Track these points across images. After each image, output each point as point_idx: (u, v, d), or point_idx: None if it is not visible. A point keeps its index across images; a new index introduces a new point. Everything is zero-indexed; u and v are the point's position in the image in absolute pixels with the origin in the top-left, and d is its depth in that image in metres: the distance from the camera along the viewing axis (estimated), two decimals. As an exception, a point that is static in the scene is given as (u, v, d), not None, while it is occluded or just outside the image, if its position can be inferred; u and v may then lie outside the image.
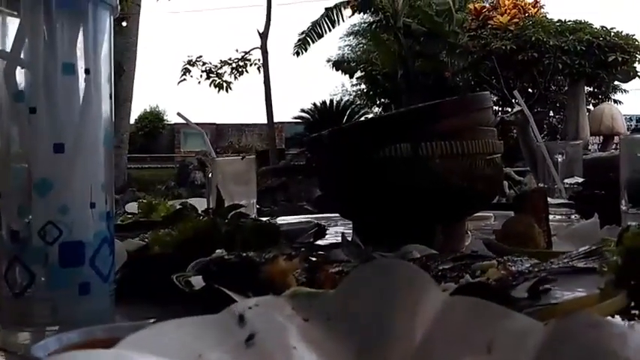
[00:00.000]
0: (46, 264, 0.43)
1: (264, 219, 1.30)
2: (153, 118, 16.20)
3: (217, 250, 0.51)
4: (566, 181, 1.11)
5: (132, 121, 13.04)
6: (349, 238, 0.66)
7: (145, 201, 1.03)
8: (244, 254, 0.49)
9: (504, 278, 0.46)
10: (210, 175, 1.12)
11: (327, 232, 0.85)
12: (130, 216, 1.14)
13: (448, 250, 0.84)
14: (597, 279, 0.45)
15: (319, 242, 0.80)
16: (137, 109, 17.46)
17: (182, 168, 8.88)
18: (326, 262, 0.55)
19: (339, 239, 0.71)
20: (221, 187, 1.11)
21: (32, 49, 0.44)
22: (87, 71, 0.45)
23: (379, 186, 0.79)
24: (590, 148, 10.08)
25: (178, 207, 0.96)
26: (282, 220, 0.95)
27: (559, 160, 1.22)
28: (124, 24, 7.81)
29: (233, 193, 1.11)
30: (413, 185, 0.78)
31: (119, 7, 0.49)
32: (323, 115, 11.13)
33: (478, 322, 0.37)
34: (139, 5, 9.74)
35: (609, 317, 0.41)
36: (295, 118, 11.65)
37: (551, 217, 1.18)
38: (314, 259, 0.63)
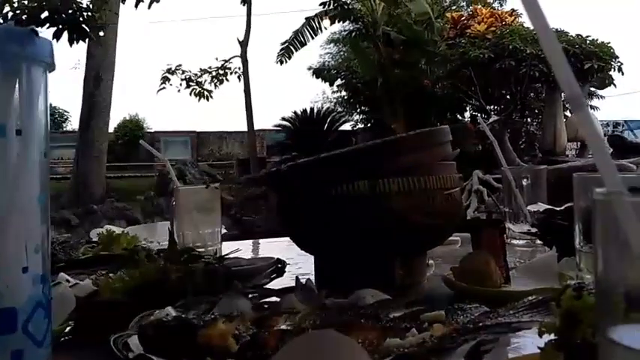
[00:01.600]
0: (-23, 332, 0.42)
1: (235, 244, 1.29)
2: (133, 127, 16.07)
3: (156, 312, 0.50)
4: (529, 208, 1.12)
5: (111, 129, 12.94)
6: (303, 281, 0.65)
7: (105, 232, 1.01)
8: (184, 316, 0.48)
9: (447, 336, 0.46)
10: (173, 204, 1.11)
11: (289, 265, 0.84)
12: (93, 245, 1.12)
13: (409, 283, 0.84)
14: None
15: (280, 279, 0.79)
16: (117, 117, 17.34)
17: (161, 177, 8.81)
18: (274, 314, 0.54)
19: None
20: (185, 215, 1.11)
21: (-38, 110, 0.43)
22: (19, 132, 0.44)
23: (337, 222, 0.79)
24: (567, 154, 10.21)
25: (136, 244, 0.95)
26: (242, 253, 0.94)
27: (524, 183, 1.23)
28: (102, 34, 7.74)
29: (197, 222, 1.10)
30: (371, 222, 0.78)
31: (55, 64, 0.48)
32: (304, 122, 11.13)
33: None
34: (117, 14, 9.68)
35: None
36: (276, 126, 11.63)
37: (515, 241, 1.19)
38: (265, 305, 0.62)
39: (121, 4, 8.55)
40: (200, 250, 1.06)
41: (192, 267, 0.64)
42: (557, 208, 0.99)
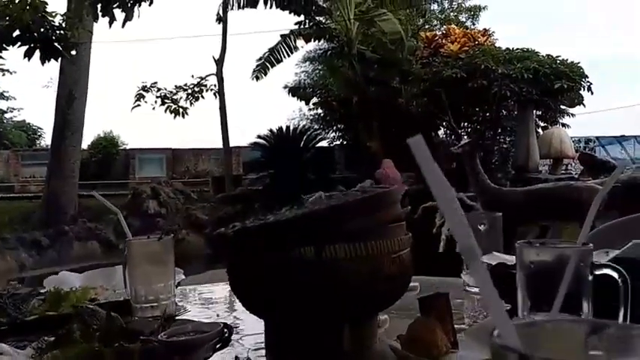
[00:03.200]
0: None
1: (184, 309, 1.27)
2: (107, 144, 15.91)
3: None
4: (483, 258, 1.13)
5: (85, 146, 12.80)
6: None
7: (52, 290, 0.99)
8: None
9: None
10: (126, 255, 1.09)
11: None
12: (44, 297, 1.09)
13: (358, 348, 0.83)
14: None
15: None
16: (91, 134, 17.15)
17: (135, 197, 8.72)
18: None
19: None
20: (137, 269, 1.09)
21: None
22: None
23: (284, 288, 0.78)
24: (540, 169, 10.35)
25: (86, 299, 0.92)
26: (191, 315, 0.92)
27: (481, 229, 1.24)
28: (74, 52, 7.67)
29: (150, 275, 1.08)
30: (318, 288, 0.77)
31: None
32: (280, 140, 11.12)
33: None
34: (91, 32, 9.62)
35: None
36: (252, 144, 11.61)
37: (473, 289, 1.20)
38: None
39: (94, 22, 8.49)
40: (153, 304, 1.05)
41: (128, 348, 0.63)
42: (509, 262, 1.00)
